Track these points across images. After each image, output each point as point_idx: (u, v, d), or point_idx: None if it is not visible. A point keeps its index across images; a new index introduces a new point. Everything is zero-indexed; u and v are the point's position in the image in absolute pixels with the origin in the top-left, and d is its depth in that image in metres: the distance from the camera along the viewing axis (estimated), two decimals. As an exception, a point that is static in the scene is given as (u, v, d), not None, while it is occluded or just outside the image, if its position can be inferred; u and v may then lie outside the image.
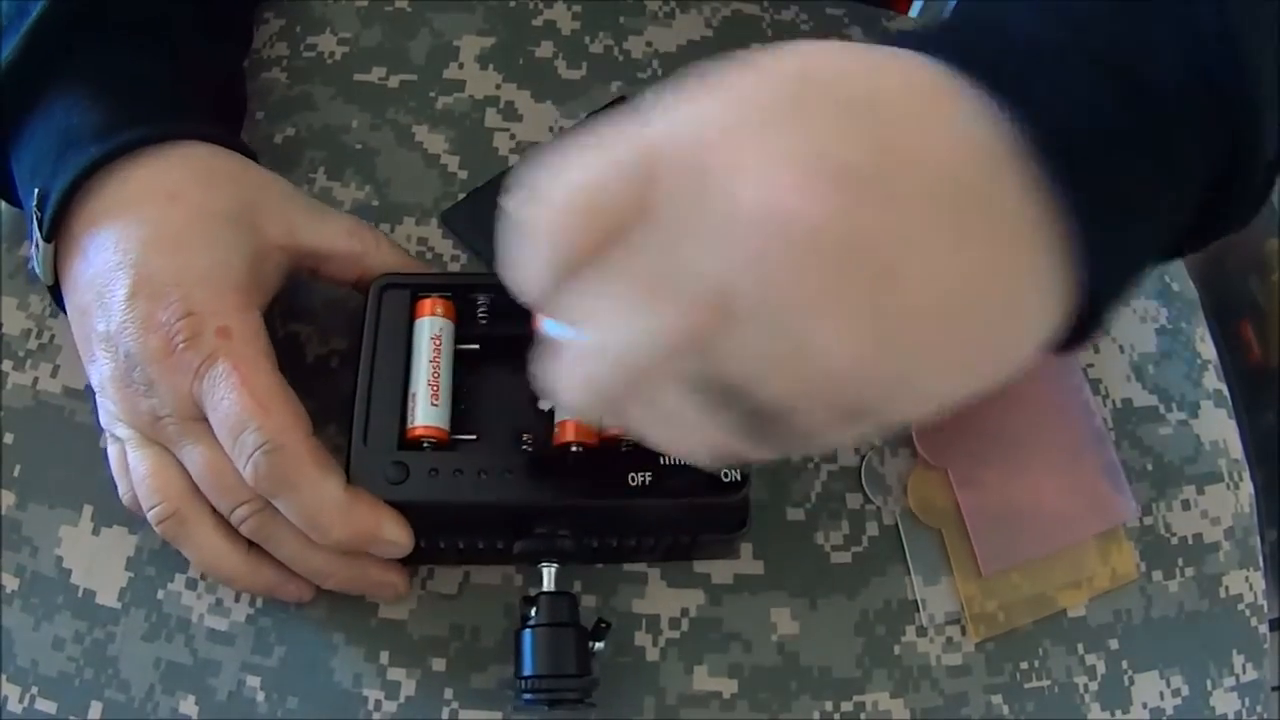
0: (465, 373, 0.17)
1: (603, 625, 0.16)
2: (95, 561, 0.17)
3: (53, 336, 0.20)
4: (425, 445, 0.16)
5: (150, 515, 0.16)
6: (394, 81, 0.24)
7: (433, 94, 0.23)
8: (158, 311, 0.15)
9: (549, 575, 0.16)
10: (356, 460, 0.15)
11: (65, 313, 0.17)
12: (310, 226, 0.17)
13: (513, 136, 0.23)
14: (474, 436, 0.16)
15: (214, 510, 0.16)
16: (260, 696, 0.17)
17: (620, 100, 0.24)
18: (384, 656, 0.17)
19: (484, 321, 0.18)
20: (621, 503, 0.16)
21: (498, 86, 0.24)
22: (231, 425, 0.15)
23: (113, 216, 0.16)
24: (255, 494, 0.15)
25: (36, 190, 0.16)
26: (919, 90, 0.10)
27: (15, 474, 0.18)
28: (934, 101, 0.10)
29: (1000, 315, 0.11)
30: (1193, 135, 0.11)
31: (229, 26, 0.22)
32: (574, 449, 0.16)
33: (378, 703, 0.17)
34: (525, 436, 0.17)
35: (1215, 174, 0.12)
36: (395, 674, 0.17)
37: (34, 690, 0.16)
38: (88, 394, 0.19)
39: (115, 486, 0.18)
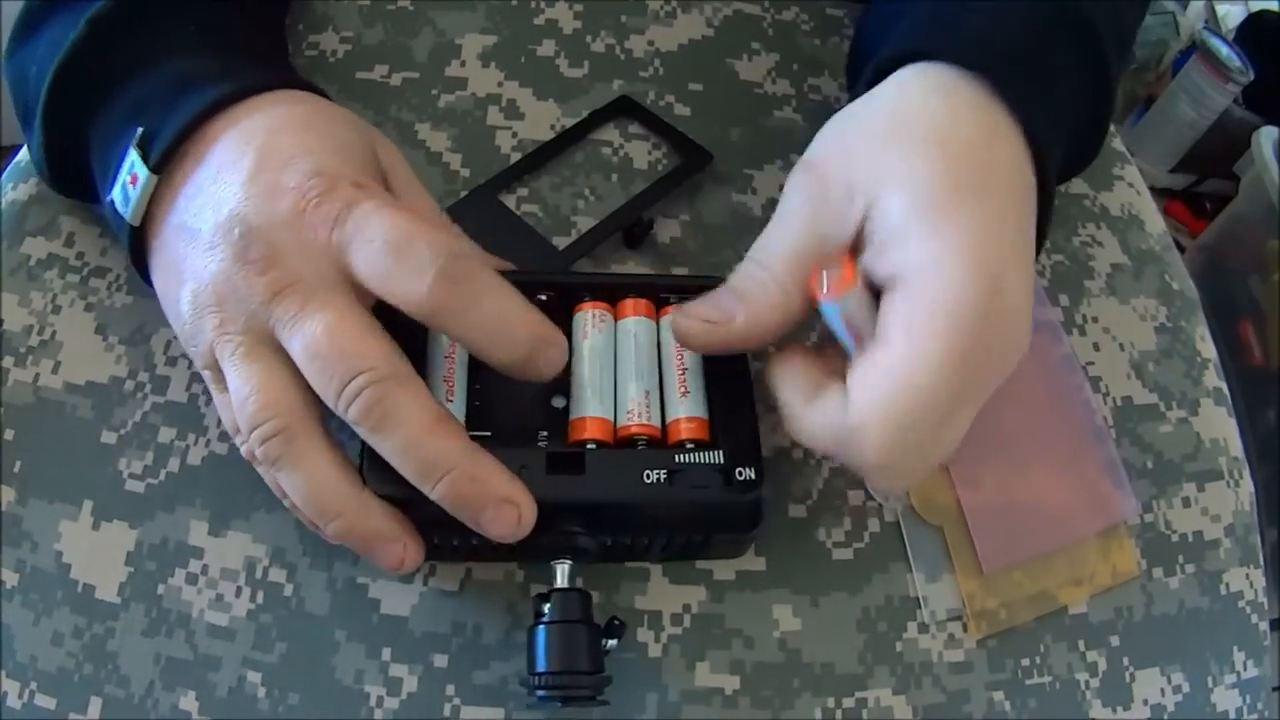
0: (481, 370, 0.17)
1: (616, 623, 0.16)
2: (95, 557, 0.17)
3: (54, 333, 0.20)
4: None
5: (255, 435, 0.14)
6: (396, 79, 0.24)
7: (435, 92, 0.24)
8: (284, 177, 0.14)
9: (562, 572, 0.16)
10: (372, 455, 0.15)
11: (138, 266, 0.17)
12: (407, 179, 0.17)
13: (515, 135, 0.23)
14: (488, 434, 0.16)
15: (327, 433, 0.14)
16: (261, 693, 0.17)
17: (622, 99, 0.24)
18: (386, 653, 0.17)
19: None
20: (637, 500, 0.16)
21: (500, 85, 0.24)
22: (396, 242, 0.14)
23: (234, 126, 0.15)
24: (383, 359, 0.14)
25: (140, 130, 0.16)
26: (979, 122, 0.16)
27: (15, 470, 0.18)
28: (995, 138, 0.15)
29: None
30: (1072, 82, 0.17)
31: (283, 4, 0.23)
32: (590, 446, 0.16)
33: (379, 699, 0.17)
34: (540, 434, 0.17)
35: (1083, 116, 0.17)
36: (397, 670, 0.17)
37: (33, 686, 0.16)
38: (89, 390, 0.19)
39: (117, 482, 0.18)
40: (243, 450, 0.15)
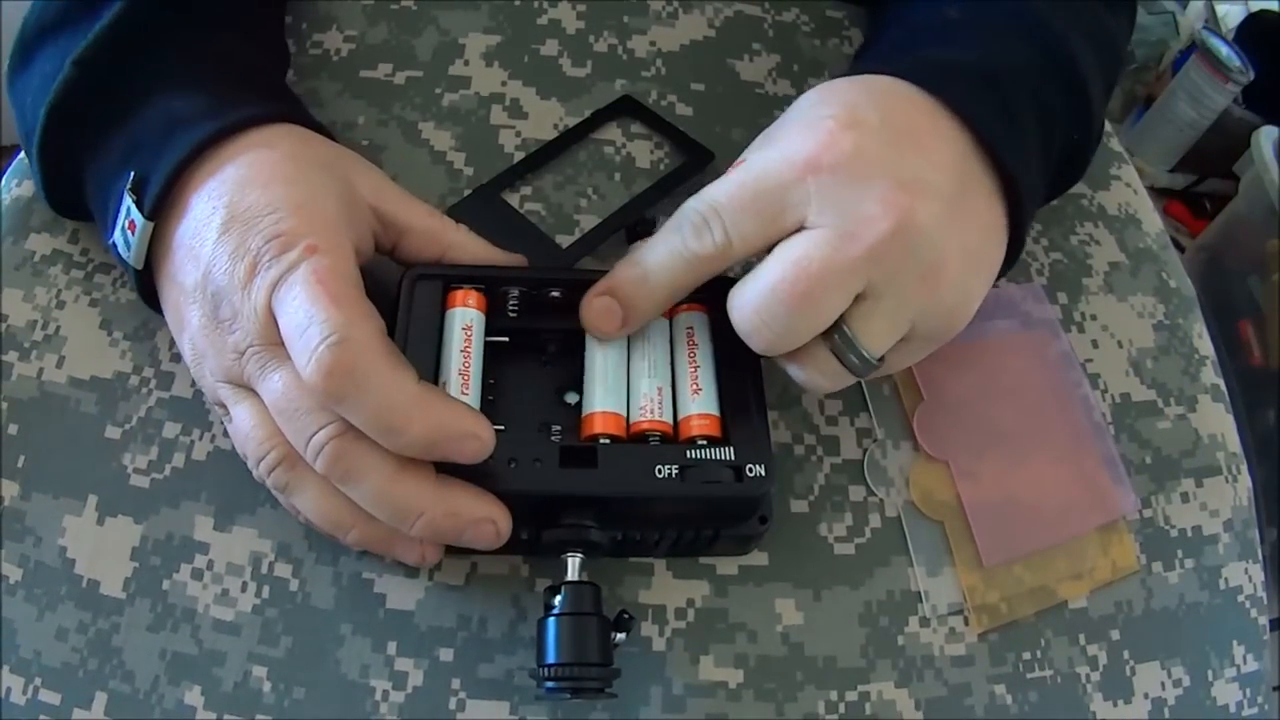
0: (494, 364, 0.17)
1: (626, 617, 0.16)
2: (99, 551, 0.18)
3: (58, 328, 0.20)
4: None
5: (260, 467, 0.16)
6: (400, 78, 0.24)
7: (439, 91, 0.24)
8: (249, 239, 0.15)
9: (573, 565, 0.16)
10: None
11: (147, 299, 0.18)
12: (396, 196, 0.18)
13: (518, 134, 0.24)
14: (502, 427, 0.16)
15: None
16: (267, 687, 0.17)
17: (624, 99, 0.25)
18: (391, 647, 0.17)
19: (514, 314, 0.18)
20: (649, 494, 0.16)
21: (503, 84, 0.25)
22: (298, 322, 0.14)
23: (211, 176, 0.16)
24: (331, 415, 0.14)
25: (132, 174, 0.16)
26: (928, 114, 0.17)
27: (19, 464, 0.18)
28: (937, 121, 0.16)
29: (993, 255, 0.17)
30: (1053, 115, 0.18)
31: (279, 9, 0.23)
32: (602, 440, 0.17)
33: (385, 693, 0.17)
34: (553, 428, 0.17)
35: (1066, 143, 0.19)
36: (403, 664, 0.17)
37: (37, 681, 0.17)
38: (93, 385, 0.19)
39: (121, 477, 0.18)
40: (255, 477, 0.16)
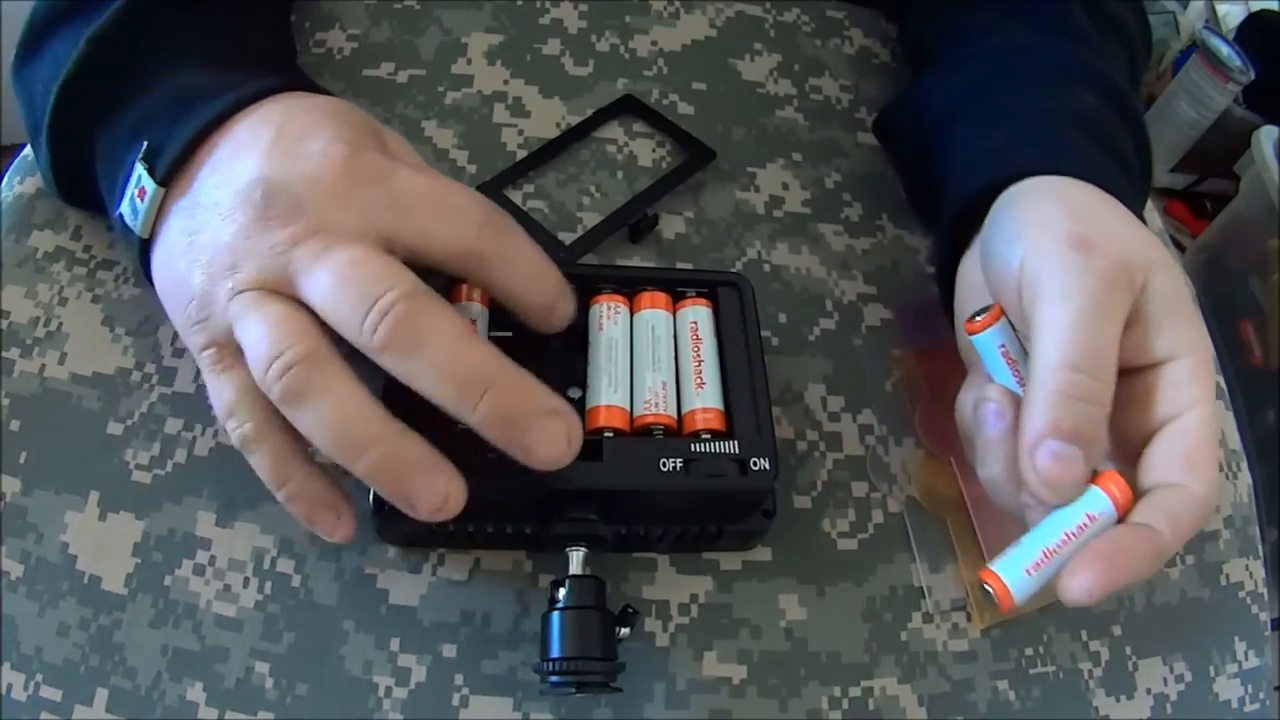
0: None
1: (630, 611, 0.17)
2: (101, 548, 0.18)
3: (60, 324, 0.20)
4: (458, 427, 0.16)
5: (275, 368, 0.14)
6: (403, 77, 0.25)
7: (441, 89, 0.25)
8: (306, 145, 0.15)
9: (577, 559, 0.16)
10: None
11: (149, 276, 0.17)
12: (417, 160, 0.17)
13: (520, 132, 0.24)
14: None
15: (349, 365, 0.14)
16: (269, 684, 0.17)
17: (626, 98, 0.25)
18: (394, 643, 0.18)
19: None
20: (653, 488, 0.16)
21: (505, 82, 0.25)
22: (443, 193, 0.15)
23: (243, 121, 0.16)
24: (411, 281, 0.14)
25: (145, 144, 0.16)
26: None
27: (21, 460, 0.19)
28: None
29: None
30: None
31: (286, 4, 0.24)
32: (607, 434, 0.17)
33: (388, 690, 0.17)
34: None
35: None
36: (406, 660, 0.18)
37: (39, 678, 0.17)
38: (95, 381, 0.19)
39: (123, 473, 0.19)
40: (263, 384, 0.14)
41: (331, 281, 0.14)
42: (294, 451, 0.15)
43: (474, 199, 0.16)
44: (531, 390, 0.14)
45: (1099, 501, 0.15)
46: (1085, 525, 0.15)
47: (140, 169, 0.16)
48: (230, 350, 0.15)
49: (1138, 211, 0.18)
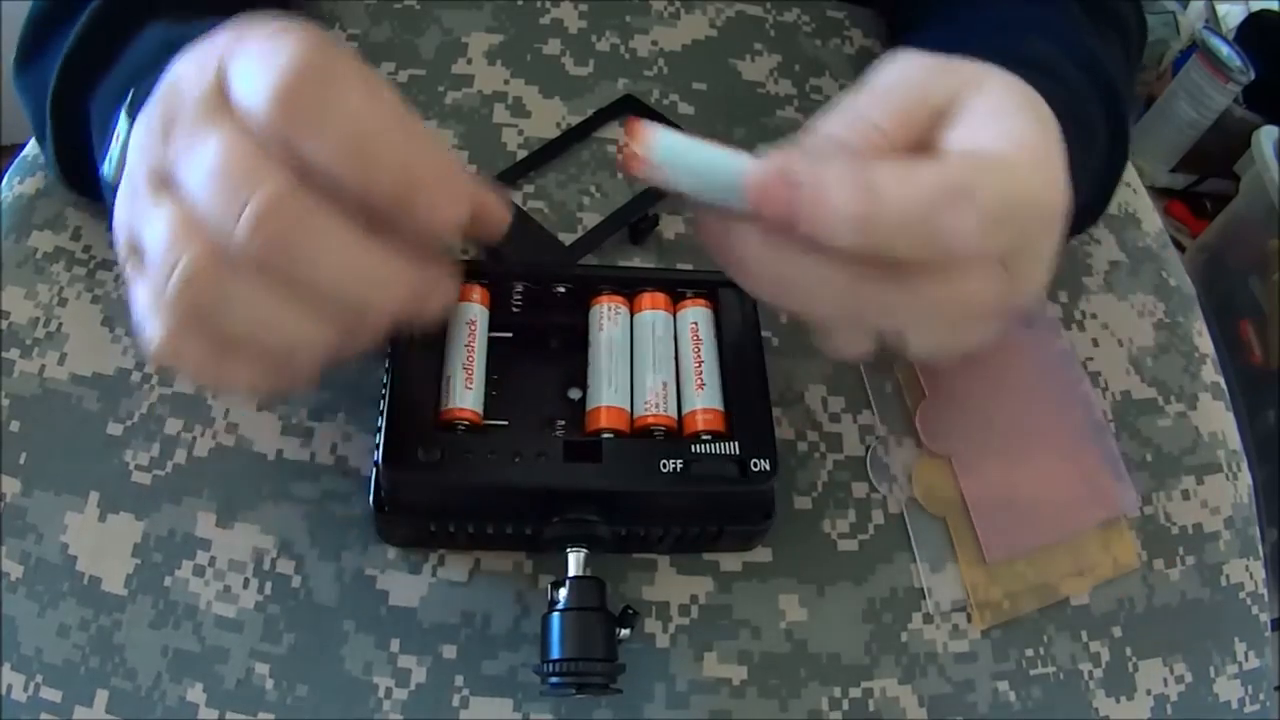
0: (498, 360, 0.18)
1: (630, 612, 0.17)
2: (101, 548, 0.18)
3: (60, 325, 0.20)
4: (459, 428, 0.17)
5: (250, 210, 0.12)
6: (403, 76, 0.25)
7: (441, 89, 0.25)
8: (212, 48, 0.13)
9: (577, 560, 0.17)
10: (390, 440, 0.16)
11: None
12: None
13: (521, 132, 0.24)
14: (505, 422, 0.17)
15: None
16: (269, 684, 0.17)
17: (627, 98, 0.25)
18: (394, 644, 0.18)
19: (518, 310, 0.19)
20: (653, 489, 0.16)
21: (506, 82, 0.25)
22: (250, 69, 0.12)
23: None
24: (279, 174, 0.12)
25: (131, 93, 0.15)
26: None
27: (21, 461, 0.19)
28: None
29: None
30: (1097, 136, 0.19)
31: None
32: (606, 435, 0.17)
33: (388, 690, 0.17)
34: (557, 423, 0.17)
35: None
36: (406, 661, 0.18)
37: (38, 679, 0.17)
38: (95, 381, 0.19)
39: (123, 474, 0.19)
40: (166, 291, 0.12)
41: (210, 171, 0.12)
42: (283, 299, 0.13)
43: (292, 44, 0.12)
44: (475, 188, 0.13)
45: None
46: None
47: (123, 116, 0.15)
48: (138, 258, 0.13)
49: (1089, 168, 0.17)
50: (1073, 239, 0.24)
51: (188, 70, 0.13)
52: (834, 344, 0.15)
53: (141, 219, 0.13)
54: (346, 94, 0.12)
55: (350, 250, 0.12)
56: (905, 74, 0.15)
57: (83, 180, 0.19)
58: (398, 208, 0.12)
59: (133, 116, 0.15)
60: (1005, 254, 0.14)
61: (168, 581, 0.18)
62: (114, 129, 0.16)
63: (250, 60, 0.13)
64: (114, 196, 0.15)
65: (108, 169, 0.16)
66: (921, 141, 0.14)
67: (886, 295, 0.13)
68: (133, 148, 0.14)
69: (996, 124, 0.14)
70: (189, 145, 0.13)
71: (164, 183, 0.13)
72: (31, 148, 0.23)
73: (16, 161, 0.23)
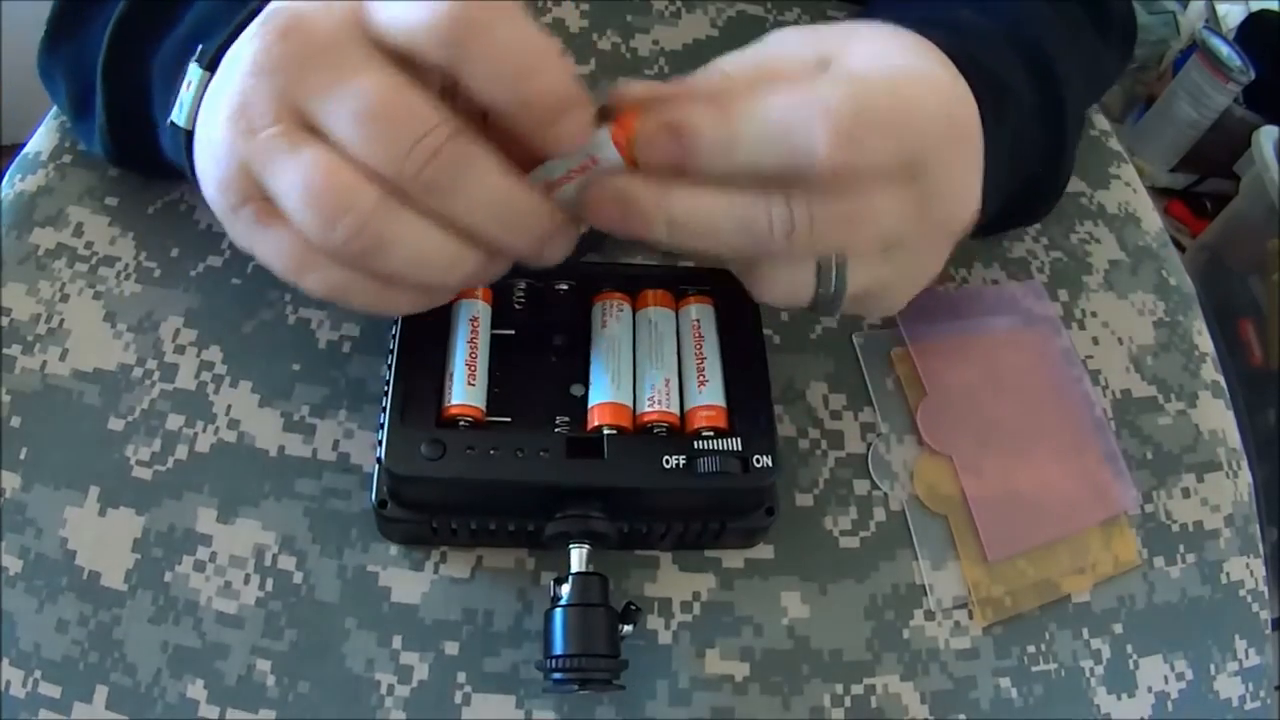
0: (500, 357, 0.18)
1: (633, 608, 0.17)
2: (101, 543, 0.18)
3: (62, 321, 0.20)
4: (461, 424, 0.17)
5: (348, 223, 0.13)
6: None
7: (443, 87, 0.25)
8: None
9: (579, 556, 0.17)
10: (393, 436, 0.16)
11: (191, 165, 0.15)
12: None
13: (522, 129, 0.25)
14: (508, 419, 0.17)
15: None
16: (270, 680, 0.17)
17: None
18: (396, 641, 0.18)
19: (520, 308, 0.19)
20: (656, 485, 0.16)
21: (508, 80, 0.25)
22: None
23: None
24: (443, 116, 0.13)
25: (200, 47, 0.15)
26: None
27: (21, 456, 0.19)
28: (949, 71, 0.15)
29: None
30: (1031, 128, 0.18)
31: None
32: (609, 432, 0.17)
33: (390, 687, 0.17)
34: (559, 420, 0.18)
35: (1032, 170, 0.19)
36: (408, 658, 0.18)
37: (37, 674, 0.17)
38: (96, 377, 0.19)
39: (124, 469, 0.19)
40: (329, 239, 0.13)
41: (368, 111, 0.13)
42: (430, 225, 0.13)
43: None
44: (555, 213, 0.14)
45: (605, 145, 0.13)
46: (587, 166, 0.13)
47: (193, 65, 0.15)
48: (265, 201, 0.14)
49: (998, 145, 0.16)
50: (1042, 217, 0.23)
51: (311, 6, 0.13)
52: (769, 286, 0.15)
53: (278, 162, 0.13)
54: (499, 22, 0.13)
55: (504, 188, 0.13)
56: (776, 38, 0.16)
57: (132, 150, 0.19)
58: (543, 130, 0.13)
59: (208, 68, 0.15)
60: (906, 167, 0.14)
61: (168, 577, 0.18)
62: (181, 82, 0.16)
63: None
64: (188, 143, 0.15)
65: (178, 114, 0.16)
66: None
67: (787, 216, 0.13)
68: (238, 90, 0.14)
69: (871, 57, 0.14)
70: (335, 85, 0.13)
71: (302, 123, 0.13)
72: (33, 145, 0.23)
73: (18, 159, 0.23)
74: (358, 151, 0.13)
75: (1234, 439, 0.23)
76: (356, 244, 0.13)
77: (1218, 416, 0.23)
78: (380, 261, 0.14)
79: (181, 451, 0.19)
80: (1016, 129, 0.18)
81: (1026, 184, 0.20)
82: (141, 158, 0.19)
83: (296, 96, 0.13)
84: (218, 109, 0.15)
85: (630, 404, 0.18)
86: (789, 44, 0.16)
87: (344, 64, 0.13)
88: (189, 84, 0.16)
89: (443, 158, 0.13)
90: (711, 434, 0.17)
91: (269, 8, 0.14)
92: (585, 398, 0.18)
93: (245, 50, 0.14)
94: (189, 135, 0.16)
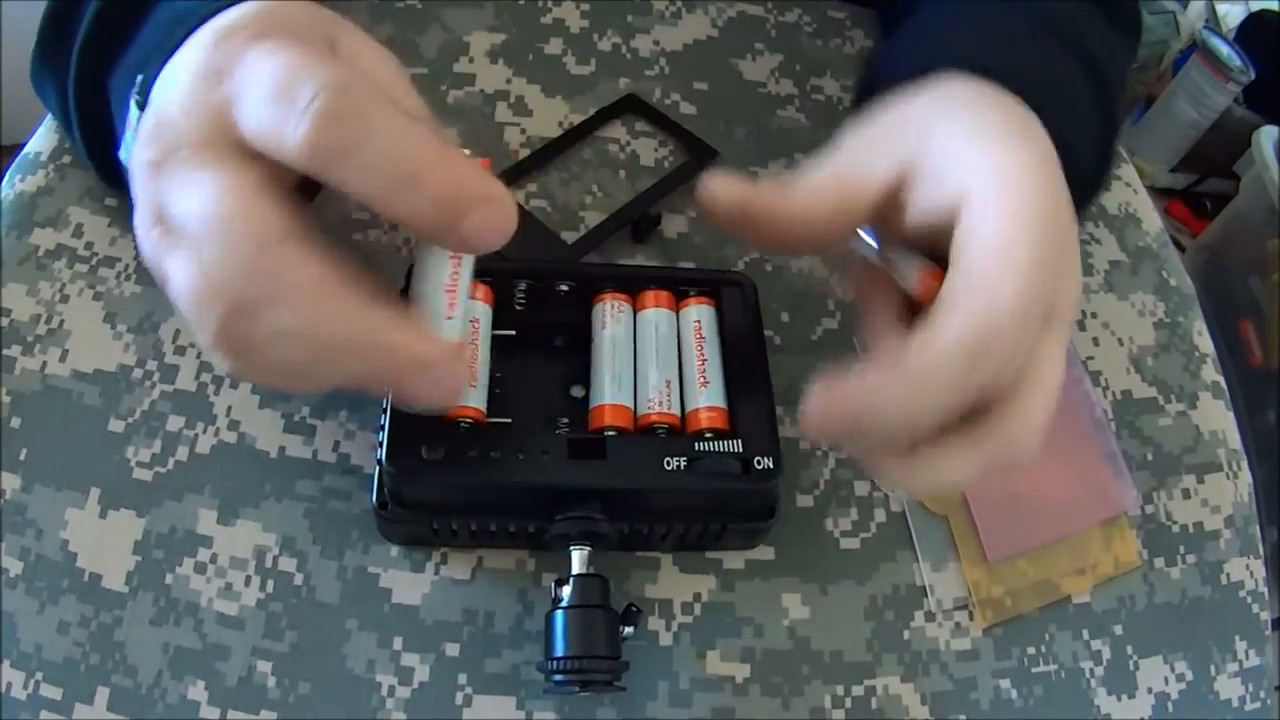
0: (501, 358, 0.18)
1: (634, 610, 0.17)
2: (102, 545, 0.18)
3: (62, 322, 0.20)
4: (462, 425, 0.17)
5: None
6: (405, 75, 0.25)
7: (443, 88, 0.25)
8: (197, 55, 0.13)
9: (580, 558, 0.17)
10: (394, 437, 0.16)
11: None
12: (387, 68, 0.15)
13: (523, 131, 0.24)
14: (509, 420, 0.17)
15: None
16: (271, 682, 0.17)
17: (629, 97, 0.25)
18: (397, 642, 0.18)
19: (521, 308, 0.19)
20: (657, 486, 0.16)
21: (508, 81, 0.25)
22: (280, 81, 0.12)
23: None
24: (282, 225, 0.12)
25: (140, 78, 0.15)
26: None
27: (21, 457, 0.19)
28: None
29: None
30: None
31: None
32: (611, 433, 0.17)
33: (391, 688, 0.17)
34: (561, 421, 0.18)
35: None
36: (409, 659, 0.18)
37: (38, 676, 0.17)
38: (97, 378, 0.20)
39: (124, 470, 0.19)
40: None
41: (196, 222, 0.12)
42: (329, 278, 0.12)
43: (320, 77, 0.12)
44: (467, 177, 0.12)
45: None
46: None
47: (133, 101, 0.15)
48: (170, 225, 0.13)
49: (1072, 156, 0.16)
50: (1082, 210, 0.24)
51: (187, 86, 0.13)
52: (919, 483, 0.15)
53: (157, 257, 0.13)
54: (378, 123, 0.12)
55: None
56: (861, 145, 0.15)
57: (110, 169, 0.19)
58: (440, 231, 0.13)
59: (142, 105, 0.15)
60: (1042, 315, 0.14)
61: (169, 578, 0.18)
62: (128, 114, 0.16)
63: (262, 83, 0.12)
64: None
65: (125, 158, 0.16)
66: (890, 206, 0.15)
67: (997, 451, 0.14)
68: (134, 169, 0.13)
69: (977, 213, 0.14)
70: (181, 187, 0.13)
71: (161, 220, 0.13)
72: (33, 145, 0.23)
73: (18, 159, 0.23)
74: (204, 259, 0.13)
75: (1234, 440, 0.23)
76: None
77: (1218, 417, 0.23)
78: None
79: (182, 453, 0.19)
80: (1081, 148, 0.18)
81: (1080, 189, 0.20)
82: (120, 178, 0.19)
83: (154, 198, 0.13)
84: (137, 141, 0.14)
85: (631, 405, 0.18)
86: (873, 159, 0.15)
87: (194, 165, 0.13)
88: (130, 124, 0.15)
89: (279, 277, 0.12)
90: (712, 435, 0.17)
91: (155, 89, 0.14)
92: (586, 399, 0.18)
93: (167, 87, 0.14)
94: None
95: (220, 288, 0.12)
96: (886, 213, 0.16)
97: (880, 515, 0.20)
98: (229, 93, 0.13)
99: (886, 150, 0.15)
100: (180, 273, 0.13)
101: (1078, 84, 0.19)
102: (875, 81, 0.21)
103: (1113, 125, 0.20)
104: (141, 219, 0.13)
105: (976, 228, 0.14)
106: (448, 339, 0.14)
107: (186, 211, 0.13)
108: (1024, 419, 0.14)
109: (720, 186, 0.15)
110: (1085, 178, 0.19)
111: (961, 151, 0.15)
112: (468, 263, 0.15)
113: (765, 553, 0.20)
